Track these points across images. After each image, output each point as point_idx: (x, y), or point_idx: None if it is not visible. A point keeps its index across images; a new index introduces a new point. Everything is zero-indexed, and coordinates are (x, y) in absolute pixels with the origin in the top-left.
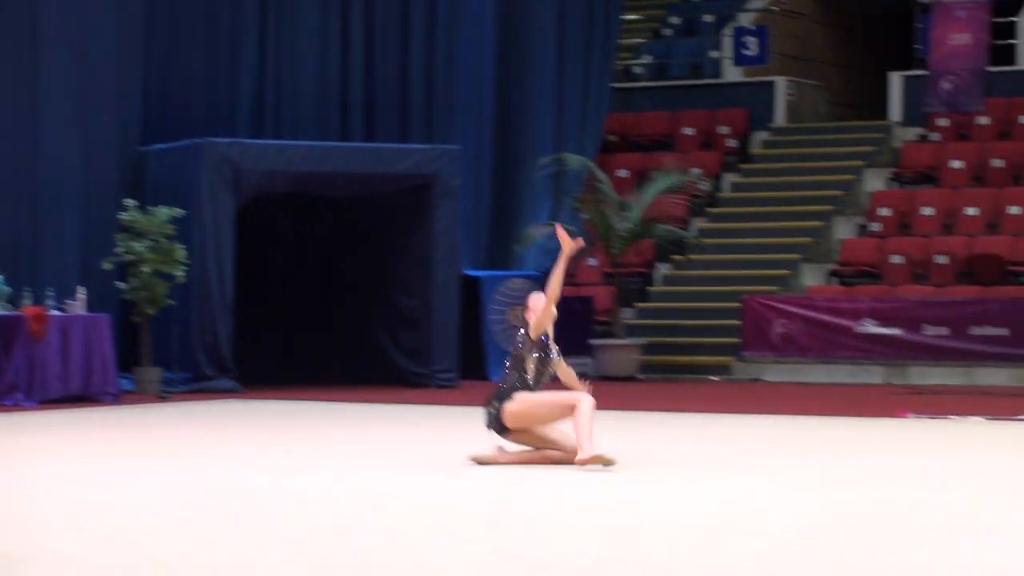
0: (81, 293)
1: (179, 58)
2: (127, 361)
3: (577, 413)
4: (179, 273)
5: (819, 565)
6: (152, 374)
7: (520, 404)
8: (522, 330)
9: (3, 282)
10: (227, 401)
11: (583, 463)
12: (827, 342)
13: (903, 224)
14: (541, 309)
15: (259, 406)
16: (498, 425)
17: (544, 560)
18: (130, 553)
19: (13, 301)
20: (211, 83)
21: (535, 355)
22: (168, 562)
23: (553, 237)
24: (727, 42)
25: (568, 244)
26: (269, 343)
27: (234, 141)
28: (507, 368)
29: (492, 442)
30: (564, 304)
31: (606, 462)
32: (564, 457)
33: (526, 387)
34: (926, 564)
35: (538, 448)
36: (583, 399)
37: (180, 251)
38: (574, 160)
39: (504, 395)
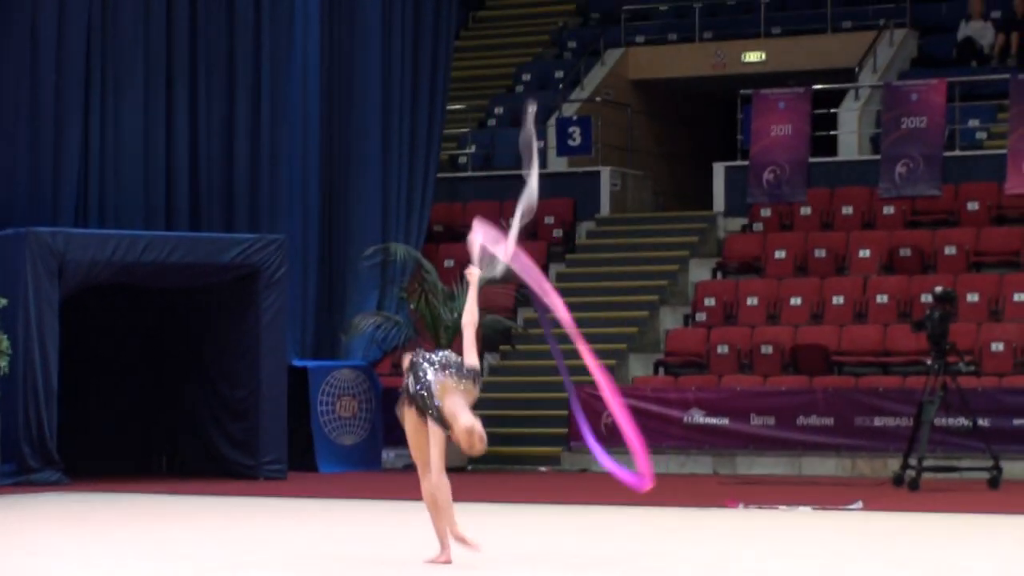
0: None
1: (1, 148)
2: None
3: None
4: (2, 364)
5: None
6: None
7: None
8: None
9: None
10: (53, 494)
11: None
12: (655, 432)
13: (728, 314)
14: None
15: (85, 499)
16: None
17: None
18: None
19: None
20: (33, 171)
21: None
22: None
23: (380, 326)
24: (551, 132)
25: (472, 276)
26: (96, 434)
27: (58, 230)
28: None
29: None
30: (392, 394)
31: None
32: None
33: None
34: None
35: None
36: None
37: (3, 341)
38: (400, 250)
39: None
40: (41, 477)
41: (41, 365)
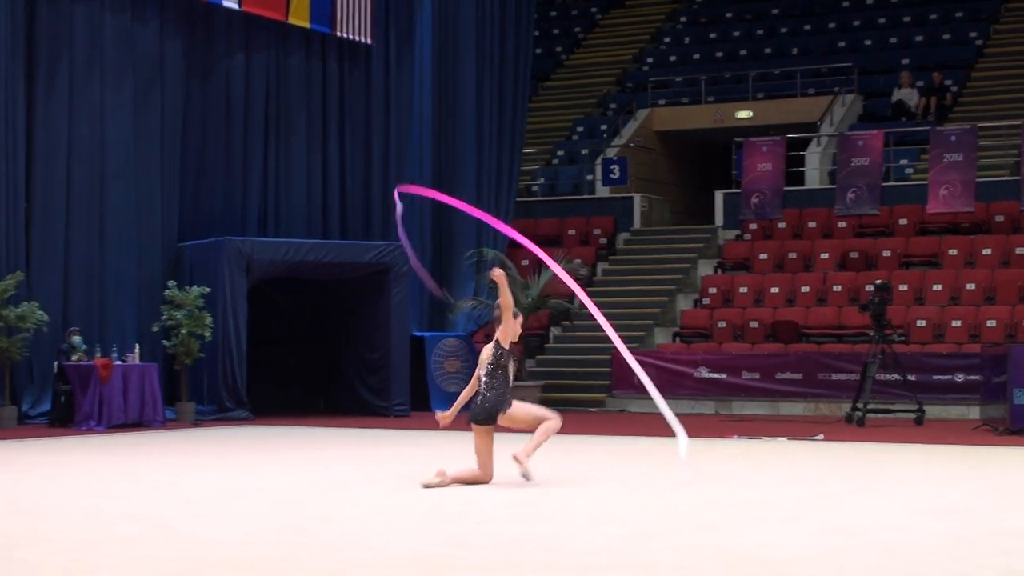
0: (137, 348)
1: (206, 179)
2: (170, 397)
3: (543, 426)
4: (207, 334)
5: (671, 544)
6: (188, 407)
7: (515, 410)
8: (497, 346)
9: (81, 341)
10: (242, 426)
11: (516, 458)
12: (673, 383)
13: (726, 299)
14: (505, 321)
15: (266, 430)
16: (490, 419)
17: (465, 539)
18: (175, 536)
19: (88, 354)
20: (229, 196)
21: (513, 360)
22: (199, 539)
23: (475, 307)
24: (598, 168)
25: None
26: (274, 384)
27: (246, 239)
28: (488, 379)
29: (434, 468)
30: None
31: (525, 474)
32: (480, 477)
33: (508, 386)
34: (747, 542)
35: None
36: (554, 418)
37: (208, 318)
38: (490, 253)
39: (499, 403)
40: (234, 414)
41: (234, 335)
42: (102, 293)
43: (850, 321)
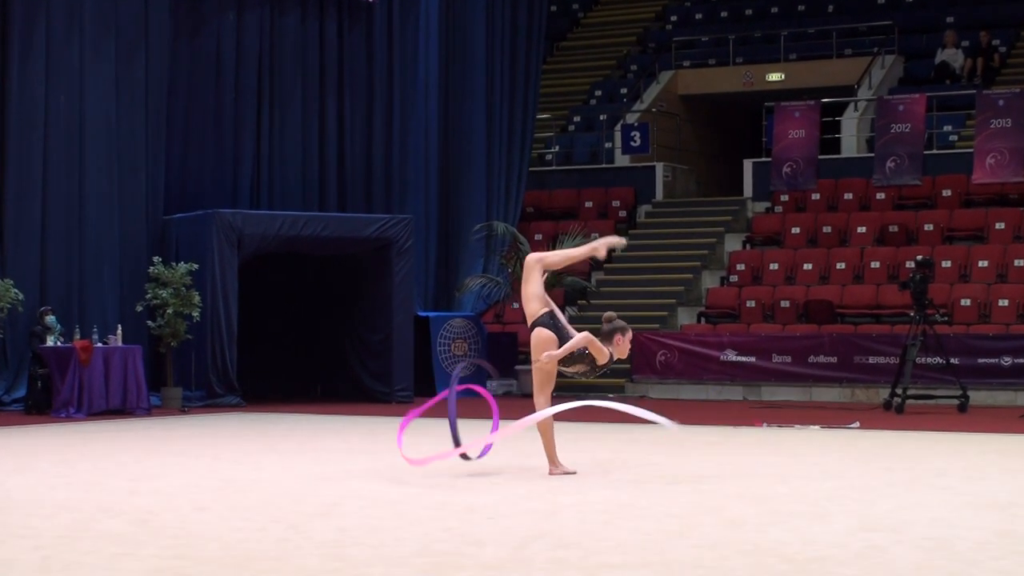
0: (119, 330)
1: (193, 148)
2: (155, 382)
3: (540, 429)
4: (195, 314)
5: (693, 542)
6: (175, 393)
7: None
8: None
9: (55, 320)
10: (233, 414)
11: (553, 474)
12: (698, 367)
13: (755, 276)
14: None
15: (259, 418)
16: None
17: (474, 536)
18: (158, 532)
19: (66, 336)
20: (219, 166)
21: (585, 368)
22: (185, 536)
23: (484, 286)
24: (617, 135)
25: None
26: (267, 368)
27: (237, 212)
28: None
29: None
30: (495, 338)
31: (569, 472)
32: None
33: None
34: (776, 539)
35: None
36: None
37: (196, 297)
38: (500, 226)
39: (556, 329)
40: (224, 401)
41: (224, 315)
42: (82, 270)
43: (889, 300)
